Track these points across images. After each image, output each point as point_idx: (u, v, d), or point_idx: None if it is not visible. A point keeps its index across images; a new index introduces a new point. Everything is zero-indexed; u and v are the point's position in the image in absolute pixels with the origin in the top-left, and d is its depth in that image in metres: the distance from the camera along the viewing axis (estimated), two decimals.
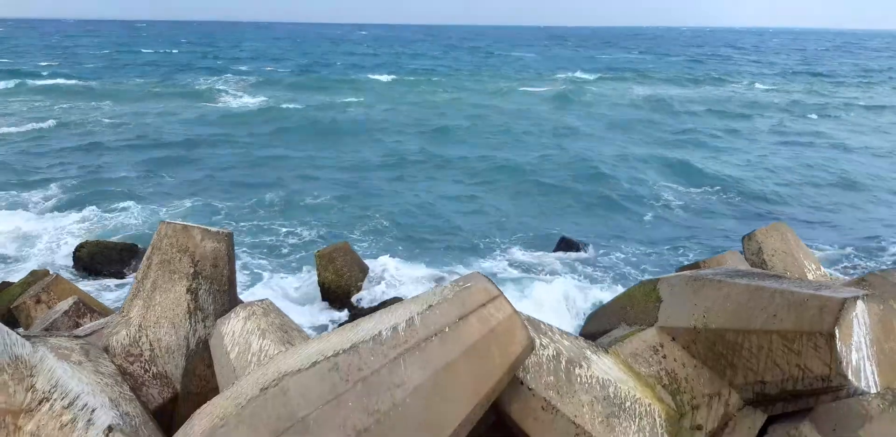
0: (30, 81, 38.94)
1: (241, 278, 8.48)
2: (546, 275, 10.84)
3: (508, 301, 3.28)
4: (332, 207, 14.70)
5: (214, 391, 4.32)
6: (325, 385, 3.00)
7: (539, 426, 3.59)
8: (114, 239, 10.41)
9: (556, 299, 9.41)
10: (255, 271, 10.24)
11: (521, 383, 3.57)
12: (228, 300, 4.69)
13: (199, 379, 4.49)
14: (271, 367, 3.26)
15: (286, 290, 9.69)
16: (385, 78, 48.70)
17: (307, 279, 9.78)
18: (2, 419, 3.61)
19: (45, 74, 44.91)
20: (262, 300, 4.36)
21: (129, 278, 9.42)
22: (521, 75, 53.07)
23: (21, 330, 5.20)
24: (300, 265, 10.69)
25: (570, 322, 8.78)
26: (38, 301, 6.26)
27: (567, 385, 3.65)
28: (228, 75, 47.45)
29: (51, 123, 25.44)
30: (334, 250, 9.25)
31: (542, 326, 3.87)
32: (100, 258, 9.58)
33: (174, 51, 73.48)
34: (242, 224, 12.77)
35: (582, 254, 12.01)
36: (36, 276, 8.17)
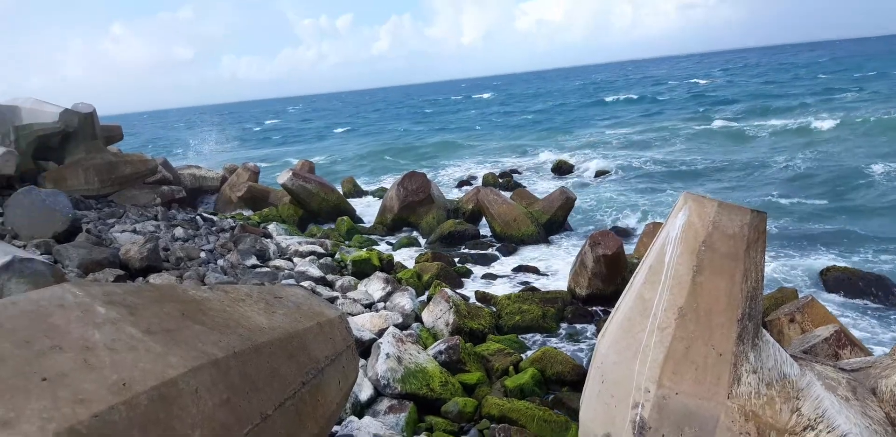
0: None
1: None
2: None
3: None
4: None
5: None
6: None
7: None
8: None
9: None
10: None
11: None
12: None
13: None
14: None
15: None
16: None
17: None
18: (767, 433, 3.79)
19: None
20: None
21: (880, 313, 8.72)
22: None
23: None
24: None
25: None
26: (792, 320, 6.41)
27: None
28: None
29: None
30: None
31: None
32: (846, 285, 9.24)
33: None
34: None
35: None
36: (784, 293, 8.44)
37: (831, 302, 9.07)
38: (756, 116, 36.22)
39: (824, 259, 11.47)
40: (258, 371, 2.56)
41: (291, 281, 8.85)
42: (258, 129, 76.26)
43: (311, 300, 3.61)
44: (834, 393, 3.91)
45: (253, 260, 9.81)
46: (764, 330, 4.32)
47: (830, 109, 35.17)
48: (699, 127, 33.86)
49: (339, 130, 61.59)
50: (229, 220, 13.60)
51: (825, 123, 29.55)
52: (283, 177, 15.44)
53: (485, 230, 14.57)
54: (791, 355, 4.35)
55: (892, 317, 8.55)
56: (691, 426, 3.83)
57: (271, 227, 13.39)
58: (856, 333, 7.66)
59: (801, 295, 8.10)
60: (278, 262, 10.16)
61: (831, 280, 9.51)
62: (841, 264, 10.62)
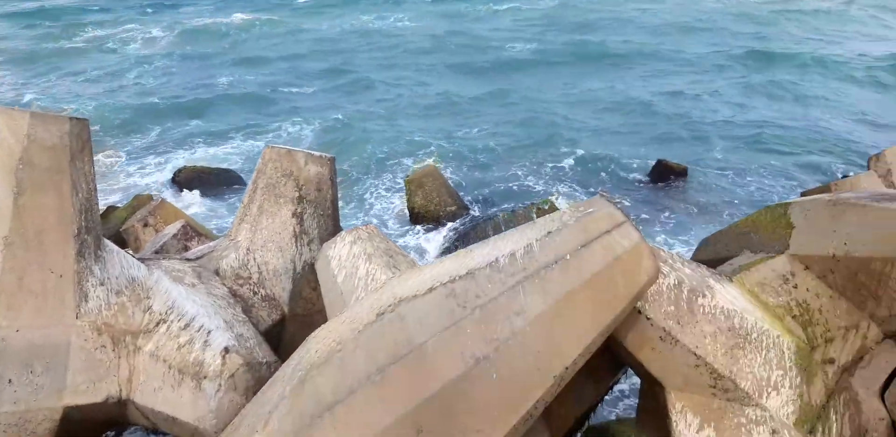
0: None
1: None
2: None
3: (635, 228, 3.03)
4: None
5: (320, 313, 4.36)
6: (442, 312, 2.91)
7: (656, 357, 3.41)
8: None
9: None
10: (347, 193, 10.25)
11: (639, 312, 3.37)
12: (332, 224, 4.66)
13: (305, 301, 4.53)
14: (386, 292, 3.18)
15: (378, 214, 9.76)
16: None
17: (399, 204, 9.82)
18: (122, 339, 3.74)
19: None
20: (367, 225, 4.28)
21: (227, 201, 9.68)
22: None
23: (131, 253, 5.35)
24: (393, 187, 10.66)
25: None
26: (146, 225, 6.47)
27: (689, 315, 3.42)
28: None
29: None
30: (424, 175, 9.15)
31: (663, 253, 3.62)
32: (197, 183, 9.87)
33: None
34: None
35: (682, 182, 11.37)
36: (140, 200, 8.46)
37: (188, 200, 9.61)
38: None
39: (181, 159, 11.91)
40: None
41: None
42: None
43: None
44: (181, 283, 4.10)
45: None
46: (106, 240, 4.15)
47: None
48: None
49: None
50: None
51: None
52: None
53: None
54: (139, 258, 4.35)
55: (236, 204, 9.59)
56: (41, 358, 3.48)
57: None
58: (220, 222, 8.33)
59: (155, 199, 8.26)
60: None
61: (184, 180, 10.01)
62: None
